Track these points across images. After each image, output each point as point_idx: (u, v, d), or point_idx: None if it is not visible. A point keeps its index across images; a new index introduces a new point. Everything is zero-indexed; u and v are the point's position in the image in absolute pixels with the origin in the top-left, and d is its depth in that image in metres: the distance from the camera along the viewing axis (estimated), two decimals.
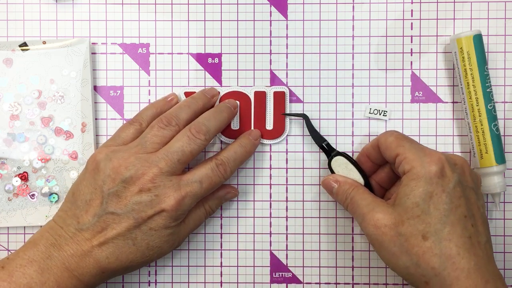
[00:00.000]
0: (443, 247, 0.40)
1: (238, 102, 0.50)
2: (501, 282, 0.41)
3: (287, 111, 0.50)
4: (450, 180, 0.41)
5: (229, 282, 0.51)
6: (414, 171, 0.42)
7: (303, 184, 0.51)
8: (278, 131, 0.50)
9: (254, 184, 0.51)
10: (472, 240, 0.40)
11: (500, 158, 0.48)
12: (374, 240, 0.42)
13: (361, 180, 0.47)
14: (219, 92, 0.50)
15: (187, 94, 0.50)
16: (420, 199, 0.41)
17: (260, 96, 0.50)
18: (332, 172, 0.49)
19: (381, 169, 0.48)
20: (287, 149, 0.51)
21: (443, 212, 0.40)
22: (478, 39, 0.48)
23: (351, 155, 0.50)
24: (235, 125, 0.50)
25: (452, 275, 0.39)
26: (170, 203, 0.43)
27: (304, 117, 0.49)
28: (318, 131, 0.50)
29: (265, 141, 0.51)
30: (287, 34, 0.51)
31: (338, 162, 0.48)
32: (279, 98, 0.50)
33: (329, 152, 0.49)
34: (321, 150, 0.50)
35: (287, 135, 0.51)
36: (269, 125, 0.50)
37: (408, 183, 0.42)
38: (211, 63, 0.51)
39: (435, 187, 0.41)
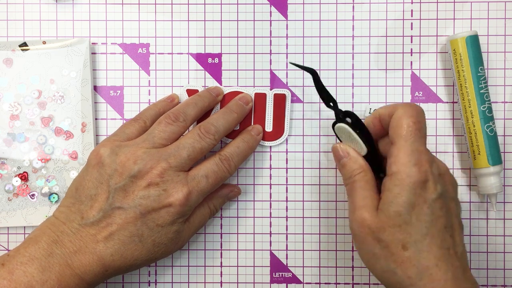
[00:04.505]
0: (422, 258, 0.40)
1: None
2: None
3: (287, 113, 0.50)
4: (433, 191, 0.40)
5: (229, 282, 0.51)
6: (399, 177, 0.40)
7: (303, 184, 0.51)
8: (277, 133, 0.50)
9: (254, 184, 0.51)
10: (450, 251, 0.40)
11: (494, 159, 0.48)
12: (356, 237, 0.42)
13: (363, 150, 0.44)
14: (223, 91, 0.50)
15: (189, 91, 0.50)
16: (403, 208, 0.40)
17: (261, 98, 0.50)
18: (336, 135, 0.46)
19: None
20: (287, 149, 0.51)
21: (425, 223, 0.40)
22: (472, 40, 0.48)
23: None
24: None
25: (428, 286, 0.39)
26: (178, 198, 0.43)
27: (312, 72, 0.45)
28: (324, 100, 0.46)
29: (265, 143, 0.51)
30: (287, 34, 0.51)
31: (342, 130, 0.44)
32: (280, 100, 0.50)
33: (336, 112, 0.45)
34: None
35: (287, 137, 0.51)
36: (269, 127, 0.50)
37: (392, 188, 0.41)
38: (211, 63, 0.51)
39: (418, 198, 0.40)
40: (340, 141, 0.46)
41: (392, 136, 0.42)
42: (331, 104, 0.45)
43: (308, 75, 0.51)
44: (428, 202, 0.40)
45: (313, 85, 0.46)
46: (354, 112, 0.44)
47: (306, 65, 0.51)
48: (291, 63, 0.48)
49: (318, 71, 0.51)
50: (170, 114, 0.46)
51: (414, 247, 0.40)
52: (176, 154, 0.44)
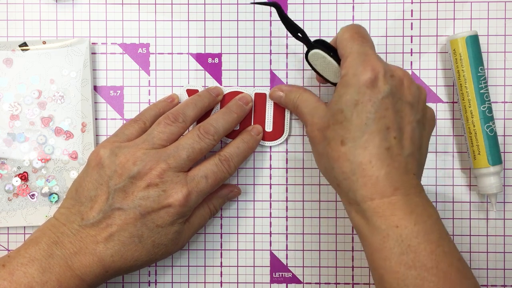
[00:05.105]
0: (357, 154, 0.40)
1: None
2: (416, 191, 0.40)
3: (287, 113, 0.50)
4: (380, 91, 0.40)
5: (229, 282, 0.51)
6: (346, 78, 0.41)
7: (303, 184, 0.51)
8: (277, 133, 0.50)
9: (254, 184, 0.51)
10: (390, 152, 0.40)
11: (494, 159, 0.48)
12: (311, 143, 0.45)
13: (339, 71, 0.44)
14: (223, 91, 0.50)
15: (189, 91, 0.50)
16: (345, 106, 0.41)
17: (261, 98, 0.50)
18: (310, 65, 0.46)
19: None
20: (287, 149, 0.51)
21: (365, 120, 0.40)
22: (472, 40, 0.48)
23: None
24: None
25: (360, 181, 0.40)
26: (178, 198, 0.43)
27: (275, 5, 0.44)
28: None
29: (265, 143, 0.51)
30: (287, 34, 0.51)
31: (316, 56, 0.45)
32: None
33: (306, 42, 0.45)
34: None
35: (287, 137, 0.51)
36: (269, 127, 0.50)
37: (339, 89, 0.41)
38: (211, 63, 0.51)
39: (362, 96, 0.40)
40: (315, 71, 0.46)
41: (341, 52, 0.43)
42: (300, 34, 0.45)
43: (308, 75, 0.51)
44: (373, 101, 0.40)
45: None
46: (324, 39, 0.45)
47: (306, 66, 0.51)
48: (252, 3, 0.47)
49: None
50: (169, 114, 0.46)
51: (351, 143, 0.40)
52: (176, 155, 0.44)
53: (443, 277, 0.38)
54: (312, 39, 0.45)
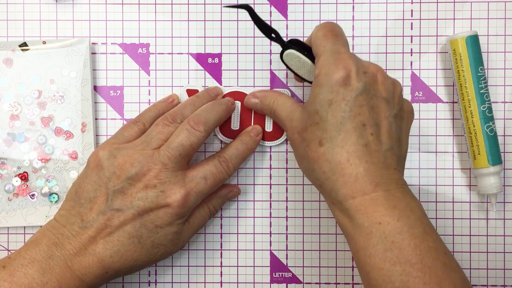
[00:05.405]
0: (335, 153, 0.40)
1: (237, 102, 0.50)
2: (397, 186, 0.40)
3: None
4: (353, 89, 0.40)
5: (229, 282, 0.51)
6: (319, 77, 0.41)
7: (303, 184, 0.51)
8: (277, 133, 0.50)
9: (254, 184, 0.51)
10: (368, 148, 0.40)
11: (494, 159, 0.48)
12: (292, 146, 0.45)
13: (313, 70, 0.45)
14: (222, 92, 0.50)
15: (189, 91, 0.50)
16: (319, 106, 0.41)
17: None
18: (285, 65, 0.46)
19: None
20: (287, 149, 0.51)
21: (340, 119, 0.40)
22: (472, 40, 0.48)
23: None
24: (235, 125, 0.50)
25: (340, 180, 0.40)
26: (176, 198, 0.43)
27: (247, 8, 0.45)
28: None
29: (265, 143, 0.51)
30: (287, 34, 0.51)
31: (290, 56, 0.46)
32: None
33: (280, 42, 0.45)
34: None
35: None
36: (269, 127, 0.50)
37: (314, 89, 0.42)
38: (211, 63, 0.51)
39: (335, 95, 0.40)
40: (291, 70, 0.46)
41: (315, 51, 0.43)
42: (273, 35, 0.45)
43: None
44: (347, 99, 0.40)
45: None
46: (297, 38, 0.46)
47: None
48: (224, 6, 0.47)
49: None
50: (167, 115, 0.46)
51: (329, 143, 0.40)
52: (169, 154, 0.44)
53: (429, 272, 0.38)
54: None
